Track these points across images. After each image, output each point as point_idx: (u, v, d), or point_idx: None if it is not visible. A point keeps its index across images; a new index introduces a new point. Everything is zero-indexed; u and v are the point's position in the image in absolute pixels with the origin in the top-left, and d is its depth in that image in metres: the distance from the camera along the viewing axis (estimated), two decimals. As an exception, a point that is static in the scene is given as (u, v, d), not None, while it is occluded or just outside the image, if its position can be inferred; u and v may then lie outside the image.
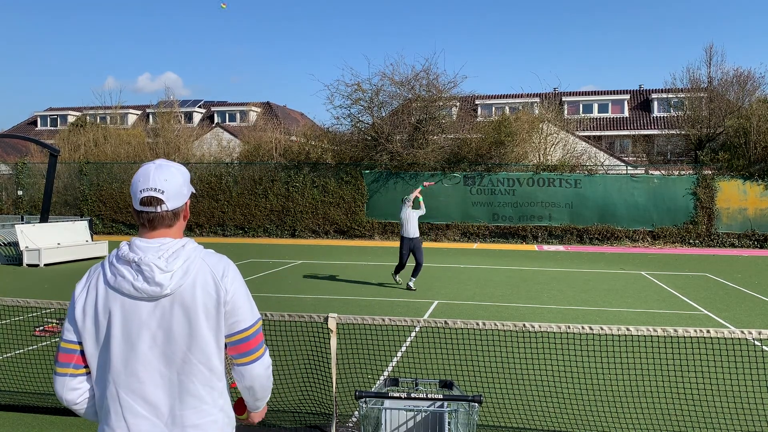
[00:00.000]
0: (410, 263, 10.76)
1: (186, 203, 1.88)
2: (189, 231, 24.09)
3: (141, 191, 1.80)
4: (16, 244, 14.96)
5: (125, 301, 1.75)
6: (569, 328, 4.05)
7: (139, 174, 1.83)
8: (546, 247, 20.02)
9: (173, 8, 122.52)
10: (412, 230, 10.89)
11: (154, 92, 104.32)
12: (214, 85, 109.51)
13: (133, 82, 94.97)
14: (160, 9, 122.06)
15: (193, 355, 1.77)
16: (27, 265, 14.49)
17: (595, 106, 39.64)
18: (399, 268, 11.39)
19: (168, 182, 1.82)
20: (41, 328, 7.50)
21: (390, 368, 6.02)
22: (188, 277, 1.77)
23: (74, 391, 1.83)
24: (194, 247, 1.83)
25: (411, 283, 11.09)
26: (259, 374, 1.89)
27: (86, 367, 1.83)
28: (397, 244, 21.00)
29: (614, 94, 40.33)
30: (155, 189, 1.80)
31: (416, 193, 11.19)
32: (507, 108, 34.66)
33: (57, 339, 7.12)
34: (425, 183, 11.58)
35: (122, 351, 1.76)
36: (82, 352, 1.81)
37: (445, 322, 4.21)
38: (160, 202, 1.80)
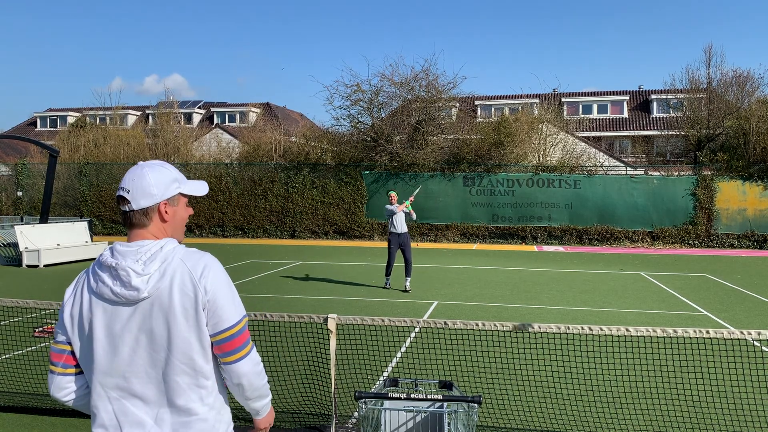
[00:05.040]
0: (399, 263, 10.72)
1: (161, 203, 1.83)
2: (189, 232, 24.10)
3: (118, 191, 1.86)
4: (15, 245, 14.96)
5: (107, 307, 1.77)
6: (569, 328, 4.05)
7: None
8: (545, 248, 20.03)
9: (183, 11, 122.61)
10: (400, 226, 10.87)
11: (159, 93, 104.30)
12: (219, 86, 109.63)
13: (140, 83, 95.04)
14: (170, 11, 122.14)
15: (175, 357, 1.77)
16: (26, 266, 14.48)
17: (595, 107, 39.66)
18: (389, 269, 11.23)
19: (135, 182, 1.82)
20: (41, 329, 7.49)
21: (389, 369, 6.02)
22: (165, 279, 1.76)
23: (62, 389, 1.88)
24: (173, 248, 1.81)
25: (407, 284, 11.05)
26: (246, 372, 1.87)
27: (77, 367, 1.87)
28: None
29: (614, 94, 40.35)
30: (122, 188, 1.83)
31: (402, 208, 10.86)
32: (506, 109, 34.68)
33: (56, 340, 7.12)
34: (411, 198, 11.34)
35: (107, 354, 1.78)
36: (72, 353, 1.85)
37: (445, 323, 4.21)
38: (125, 201, 1.82)
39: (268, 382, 2.01)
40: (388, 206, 10.91)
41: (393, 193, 11.16)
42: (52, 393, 1.89)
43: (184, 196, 1.93)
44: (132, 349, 1.77)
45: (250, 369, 1.88)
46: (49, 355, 1.89)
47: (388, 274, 11.32)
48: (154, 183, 1.83)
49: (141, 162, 1.89)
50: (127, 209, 1.82)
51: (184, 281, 1.77)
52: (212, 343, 1.82)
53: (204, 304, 1.78)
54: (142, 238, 1.82)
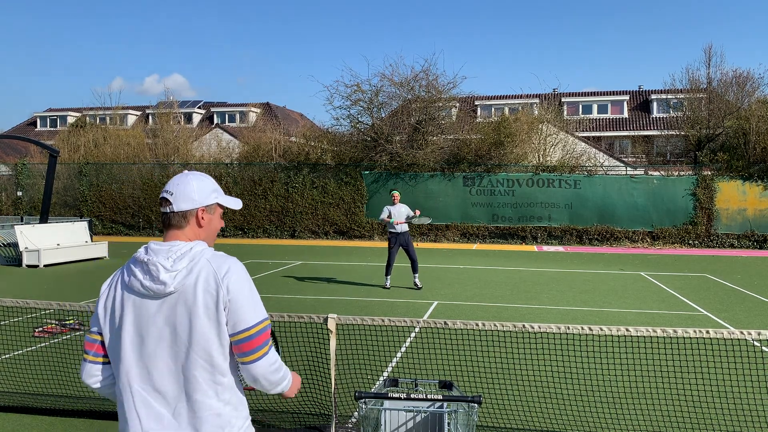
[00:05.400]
0: (400, 263, 10.69)
1: (199, 209, 1.99)
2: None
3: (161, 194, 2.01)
4: (15, 245, 14.95)
5: (136, 300, 1.90)
6: (569, 328, 4.05)
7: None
8: (545, 248, 20.03)
9: (183, 11, 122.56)
10: (399, 226, 10.87)
11: (160, 93, 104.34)
12: (220, 86, 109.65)
13: (140, 83, 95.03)
14: (172, 11, 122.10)
15: (195, 352, 1.86)
16: (26, 266, 14.48)
17: (595, 107, 39.66)
18: (388, 268, 11.21)
19: (179, 186, 1.98)
20: (40, 329, 7.49)
21: (389, 369, 6.02)
22: (191, 276, 1.87)
23: (92, 377, 2.00)
24: (201, 249, 1.93)
25: (417, 281, 11.10)
26: (263, 372, 1.95)
27: (105, 357, 1.99)
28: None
29: (614, 94, 40.36)
30: (166, 191, 1.99)
31: (399, 222, 10.81)
32: (506, 109, 34.68)
33: (56, 340, 7.12)
34: (416, 211, 11.25)
35: (134, 345, 1.90)
36: (102, 343, 1.98)
37: (445, 323, 4.21)
38: (167, 203, 1.97)
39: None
40: (387, 207, 10.92)
41: (396, 193, 11.14)
42: (83, 379, 2.01)
43: (221, 207, 2.09)
44: (156, 342, 1.87)
45: (266, 369, 1.96)
46: (83, 343, 2.07)
47: (387, 273, 11.30)
48: (196, 189, 1.99)
49: (186, 171, 2.06)
50: (168, 210, 1.97)
51: (208, 280, 1.87)
52: (231, 343, 1.90)
53: (225, 303, 1.87)
54: (176, 238, 1.97)
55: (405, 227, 10.92)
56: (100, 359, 1.98)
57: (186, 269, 1.87)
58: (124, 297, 1.91)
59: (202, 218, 1.99)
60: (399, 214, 10.89)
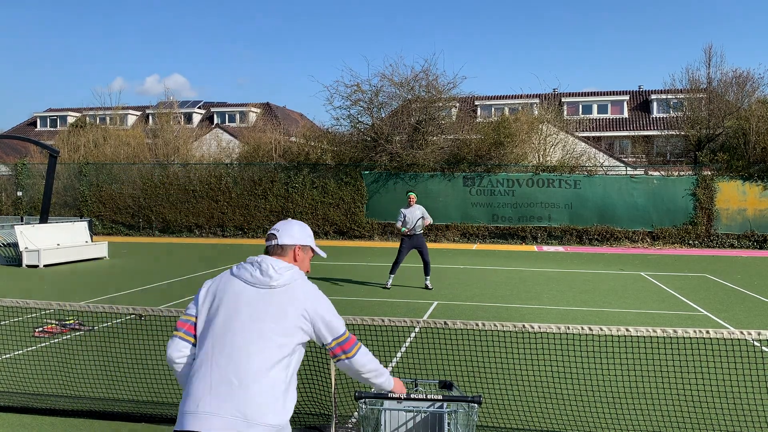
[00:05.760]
0: (408, 263, 10.74)
1: (296, 246, 2.55)
2: (189, 232, 24.11)
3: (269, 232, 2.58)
4: (15, 245, 14.95)
5: (240, 285, 2.39)
6: (569, 328, 4.05)
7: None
8: (545, 248, 20.03)
9: (183, 11, 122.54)
10: (412, 228, 10.84)
11: (160, 94, 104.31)
12: (220, 87, 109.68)
13: (141, 83, 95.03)
14: (172, 11, 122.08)
15: (271, 337, 2.29)
16: (26, 266, 14.48)
17: (595, 107, 39.67)
18: (394, 267, 11.16)
19: (285, 226, 2.58)
20: (41, 329, 7.49)
21: (390, 369, 6.02)
22: (292, 284, 2.41)
23: (179, 351, 2.38)
24: (300, 272, 2.49)
25: (428, 283, 11.12)
26: (358, 361, 2.55)
27: (194, 338, 2.37)
28: (397, 245, 20.99)
29: (614, 94, 40.36)
30: (275, 230, 2.57)
31: (405, 231, 10.80)
32: (506, 109, 34.68)
33: (56, 340, 7.12)
34: (426, 221, 11.23)
35: (226, 315, 2.32)
36: (195, 325, 2.38)
37: (445, 323, 4.21)
38: (274, 237, 2.55)
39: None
40: (402, 210, 10.92)
41: (412, 195, 11.07)
42: (170, 353, 2.38)
43: (312, 251, 2.67)
44: (246, 320, 2.30)
45: (360, 359, 2.56)
46: (176, 324, 2.43)
47: (392, 272, 11.20)
48: (297, 231, 2.58)
49: (290, 219, 2.68)
50: (274, 243, 2.53)
51: (298, 293, 2.41)
52: (331, 344, 2.47)
53: (304, 318, 2.39)
54: (282, 260, 2.51)
55: (418, 229, 10.89)
56: (190, 339, 2.38)
57: (287, 277, 2.40)
58: (229, 281, 2.41)
59: (297, 254, 2.55)
60: (413, 217, 10.83)
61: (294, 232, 2.56)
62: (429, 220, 10.96)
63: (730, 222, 20.65)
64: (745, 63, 68.54)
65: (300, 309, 2.37)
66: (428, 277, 11.17)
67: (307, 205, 23.02)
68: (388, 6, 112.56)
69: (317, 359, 5.76)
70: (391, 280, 11.29)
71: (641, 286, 11.70)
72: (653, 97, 38.50)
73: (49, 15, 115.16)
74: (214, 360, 2.24)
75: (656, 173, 22.15)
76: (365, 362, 2.58)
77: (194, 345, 2.36)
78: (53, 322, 7.80)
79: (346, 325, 4.47)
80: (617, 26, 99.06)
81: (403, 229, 10.83)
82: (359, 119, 23.87)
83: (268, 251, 2.53)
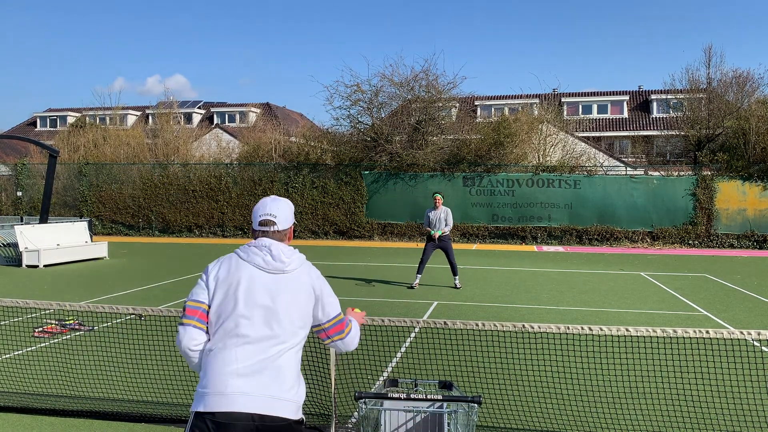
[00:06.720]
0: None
1: (290, 228, 2.61)
2: (189, 232, 24.11)
3: (260, 216, 2.55)
4: (15, 245, 14.94)
5: (252, 270, 2.42)
6: (568, 328, 4.05)
7: (259, 203, 2.60)
8: (545, 248, 20.03)
9: (183, 11, 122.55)
10: (436, 230, 10.89)
11: (161, 94, 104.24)
12: (221, 87, 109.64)
13: (142, 83, 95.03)
14: (170, 12, 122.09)
15: (285, 320, 2.38)
16: (26, 266, 14.47)
17: (595, 107, 39.66)
18: (420, 266, 11.26)
19: (281, 211, 2.57)
20: (40, 329, 7.49)
21: (389, 369, 6.02)
22: (300, 268, 2.50)
23: (194, 340, 2.38)
24: (302, 254, 2.56)
25: (456, 282, 11.22)
26: (353, 337, 2.67)
27: (206, 325, 2.40)
28: (397, 245, 21.02)
29: (613, 95, 40.36)
30: (271, 214, 2.54)
31: (435, 235, 10.87)
32: (506, 109, 34.68)
33: (56, 340, 7.12)
34: (445, 230, 11.24)
35: (245, 302, 2.36)
36: (206, 312, 2.39)
37: (445, 323, 4.21)
38: (273, 223, 2.53)
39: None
40: (428, 212, 10.99)
41: (438, 196, 11.04)
42: (185, 343, 2.37)
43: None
44: (262, 301, 2.36)
45: (349, 341, 2.65)
46: (182, 313, 2.42)
47: (418, 272, 11.31)
48: (289, 212, 2.62)
49: (274, 196, 2.65)
50: (273, 229, 2.53)
51: (307, 275, 2.51)
52: (324, 329, 2.56)
53: (316, 297, 2.52)
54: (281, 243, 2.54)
55: (442, 231, 10.91)
56: (203, 326, 2.38)
57: (297, 261, 2.49)
58: (239, 267, 2.42)
59: (290, 234, 2.61)
60: (438, 221, 10.87)
61: (288, 214, 2.59)
62: (447, 228, 10.95)
63: (729, 222, 20.65)
64: (745, 63, 68.58)
65: (310, 290, 2.48)
66: (457, 277, 11.25)
67: (307, 205, 23.01)
68: (388, 6, 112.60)
69: (317, 359, 5.76)
70: (418, 280, 11.36)
71: (641, 286, 11.70)
72: (653, 97, 38.49)
73: (49, 15, 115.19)
74: (238, 344, 2.31)
75: (656, 173, 22.15)
76: (355, 335, 2.68)
77: (206, 332, 2.39)
78: (53, 322, 7.80)
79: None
80: (617, 26, 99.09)
81: (432, 231, 10.90)
82: (359, 119, 23.88)
83: (267, 236, 2.53)
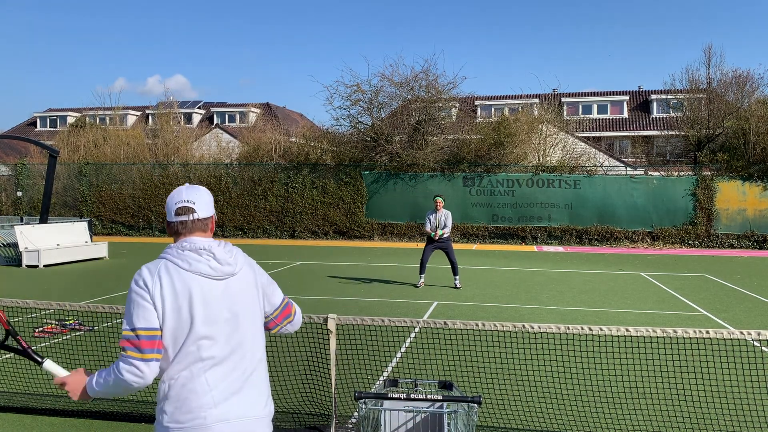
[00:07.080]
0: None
1: (212, 217, 2.32)
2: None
3: (176, 203, 2.24)
4: (15, 245, 14.95)
5: (200, 280, 2.14)
6: (568, 329, 4.05)
7: (173, 192, 2.30)
8: (545, 248, 20.03)
9: (184, 11, 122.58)
10: (435, 231, 10.93)
11: (161, 94, 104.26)
12: (221, 87, 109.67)
13: (142, 84, 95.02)
14: (171, 12, 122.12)
15: (254, 321, 2.27)
16: (26, 266, 14.48)
17: (595, 107, 39.65)
18: (420, 267, 11.36)
19: (199, 197, 2.27)
20: (41, 329, 7.49)
21: (389, 369, 6.02)
22: (243, 263, 2.29)
23: (154, 373, 2.10)
24: (236, 246, 2.33)
25: (456, 282, 11.26)
26: (297, 320, 2.51)
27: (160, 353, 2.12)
28: (397, 245, 21.03)
29: (613, 95, 40.35)
30: (189, 201, 2.24)
31: (436, 235, 10.89)
32: (506, 109, 34.67)
33: (56, 340, 7.12)
34: (445, 230, 11.24)
35: (202, 317, 2.11)
36: (161, 338, 2.09)
37: (445, 323, 4.22)
38: (192, 211, 2.23)
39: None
40: (428, 215, 11.02)
41: (439, 199, 11.05)
42: (149, 380, 2.08)
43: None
44: (220, 317, 2.15)
45: (297, 323, 2.52)
46: (134, 345, 2.05)
47: (420, 272, 11.42)
48: (209, 199, 2.31)
49: (188, 183, 2.36)
50: (194, 217, 2.23)
51: (249, 268, 2.32)
52: (273, 316, 2.39)
53: (262, 285, 2.35)
54: (207, 237, 2.28)
55: (443, 232, 10.95)
56: (160, 356, 2.09)
57: (237, 257, 2.26)
58: (187, 279, 2.12)
59: (212, 224, 2.32)
60: (439, 222, 10.90)
61: (207, 200, 2.28)
62: (446, 231, 10.95)
63: (729, 222, 20.66)
64: (745, 63, 68.57)
65: (257, 286, 2.31)
66: (457, 277, 11.30)
67: (307, 205, 23.02)
68: (389, 6, 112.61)
69: (317, 359, 5.76)
70: (422, 279, 11.45)
71: (641, 287, 11.70)
72: (653, 97, 38.49)
73: (49, 15, 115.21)
74: (205, 368, 2.10)
75: (656, 173, 22.15)
76: (299, 311, 2.55)
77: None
78: (53, 322, 7.80)
79: (347, 325, 4.48)
80: (617, 27, 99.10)
81: (432, 234, 10.95)
82: (359, 119, 23.89)
83: (188, 226, 2.22)
